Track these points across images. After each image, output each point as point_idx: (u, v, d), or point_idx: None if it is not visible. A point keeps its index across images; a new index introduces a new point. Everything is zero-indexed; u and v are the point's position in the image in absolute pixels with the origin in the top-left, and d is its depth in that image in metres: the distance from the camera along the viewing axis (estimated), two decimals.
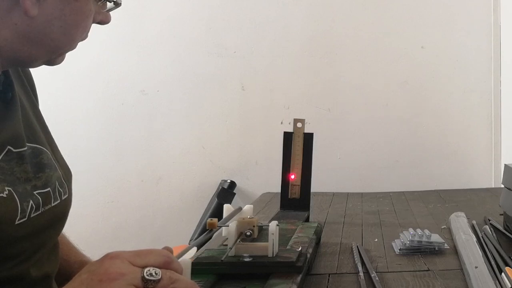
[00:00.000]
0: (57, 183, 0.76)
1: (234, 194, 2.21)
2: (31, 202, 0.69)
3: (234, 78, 2.28)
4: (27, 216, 0.68)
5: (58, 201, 0.75)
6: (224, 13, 2.28)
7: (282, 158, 1.34)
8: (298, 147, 1.33)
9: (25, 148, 0.72)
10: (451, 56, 2.22)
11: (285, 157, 1.33)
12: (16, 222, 0.66)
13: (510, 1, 2.13)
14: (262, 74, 2.27)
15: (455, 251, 1.06)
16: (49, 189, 0.74)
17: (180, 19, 2.30)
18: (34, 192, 0.71)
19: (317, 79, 2.26)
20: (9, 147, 0.69)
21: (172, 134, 2.30)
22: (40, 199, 0.71)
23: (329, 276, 0.95)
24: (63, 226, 0.80)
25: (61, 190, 0.77)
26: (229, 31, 2.28)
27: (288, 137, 1.34)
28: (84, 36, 0.73)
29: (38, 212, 0.70)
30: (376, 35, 2.24)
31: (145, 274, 0.55)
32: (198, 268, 0.79)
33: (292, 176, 1.31)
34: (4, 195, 0.65)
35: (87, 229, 2.21)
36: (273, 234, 0.83)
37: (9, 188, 0.66)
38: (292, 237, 1.02)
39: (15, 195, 0.67)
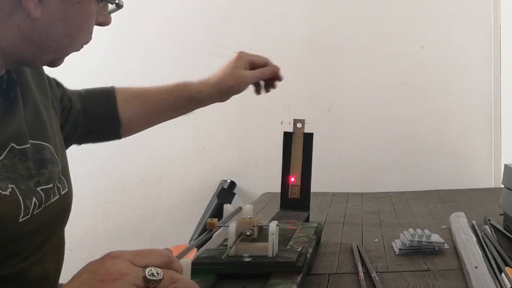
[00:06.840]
0: (57, 178, 0.76)
1: (234, 194, 2.21)
2: (34, 199, 0.69)
3: None
4: (30, 214, 0.68)
5: (57, 196, 0.75)
6: (224, 13, 2.28)
7: (282, 159, 1.33)
8: (298, 147, 1.33)
9: (28, 145, 0.72)
10: (451, 56, 2.22)
11: (285, 158, 1.33)
12: (20, 220, 0.67)
13: (510, 1, 2.13)
14: None
15: (455, 251, 1.06)
16: (52, 184, 0.74)
17: (180, 19, 2.29)
18: (38, 189, 0.71)
19: (317, 79, 2.26)
20: (12, 144, 0.69)
21: (172, 134, 2.30)
22: (43, 195, 0.72)
23: (329, 276, 0.95)
24: (65, 222, 0.80)
25: (60, 185, 0.77)
26: (229, 31, 2.28)
27: (288, 137, 1.34)
28: (87, 38, 0.73)
29: (40, 209, 0.71)
30: (376, 35, 2.24)
31: (146, 274, 0.55)
32: (198, 268, 0.79)
33: (292, 179, 1.31)
34: (7, 193, 0.65)
35: (87, 229, 2.21)
36: (273, 234, 0.83)
37: (12, 186, 0.66)
38: (292, 237, 1.01)
39: (18, 193, 0.67)
